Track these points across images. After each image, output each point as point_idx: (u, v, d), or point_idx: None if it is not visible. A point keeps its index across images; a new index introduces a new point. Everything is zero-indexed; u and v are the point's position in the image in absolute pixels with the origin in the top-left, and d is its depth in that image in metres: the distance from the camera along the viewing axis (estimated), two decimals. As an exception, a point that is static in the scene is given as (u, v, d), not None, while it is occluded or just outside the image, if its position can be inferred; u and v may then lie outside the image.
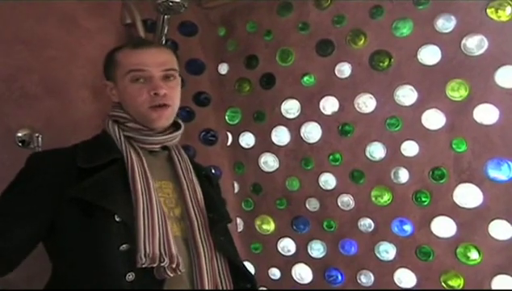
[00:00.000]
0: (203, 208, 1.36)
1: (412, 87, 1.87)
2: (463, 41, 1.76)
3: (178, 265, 1.17)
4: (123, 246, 1.14)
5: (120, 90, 1.36)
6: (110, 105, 1.43)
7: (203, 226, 1.32)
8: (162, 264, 1.14)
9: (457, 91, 1.78)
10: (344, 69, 2.03)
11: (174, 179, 1.38)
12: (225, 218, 1.46)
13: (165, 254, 1.16)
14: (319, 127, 2.10)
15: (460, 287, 1.81)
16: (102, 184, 1.21)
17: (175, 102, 1.38)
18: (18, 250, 1.18)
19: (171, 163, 1.40)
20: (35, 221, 1.20)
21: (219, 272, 1.31)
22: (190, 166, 1.43)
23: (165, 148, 1.41)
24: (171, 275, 1.16)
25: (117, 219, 1.16)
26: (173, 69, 1.37)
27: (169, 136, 1.38)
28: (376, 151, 1.97)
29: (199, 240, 1.28)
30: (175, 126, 1.42)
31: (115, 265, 1.13)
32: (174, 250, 1.19)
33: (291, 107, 2.17)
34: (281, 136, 2.21)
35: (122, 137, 1.32)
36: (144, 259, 1.12)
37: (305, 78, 2.12)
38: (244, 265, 1.42)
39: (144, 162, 1.29)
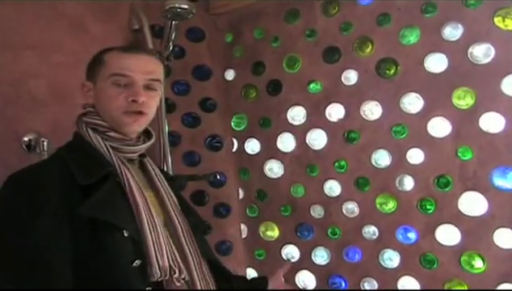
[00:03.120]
0: (182, 214, 1.36)
1: (418, 95, 1.88)
2: (470, 49, 1.77)
3: (184, 275, 1.20)
4: (136, 262, 1.14)
5: (98, 91, 1.31)
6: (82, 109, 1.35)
7: (187, 232, 1.32)
8: (174, 276, 1.16)
9: (463, 99, 1.79)
10: (350, 77, 2.03)
11: (150, 186, 1.36)
12: (202, 222, 1.47)
13: (175, 265, 1.18)
14: (324, 134, 2.10)
15: (464, 295, 1.80)
16: (107, 201, 1.18)
17: (152, 111, 1.33)
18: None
19: (144, 171, 1.39)
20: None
21: (208, 276, 1.31)
22: (160, 172, 1.42)
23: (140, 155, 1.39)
24: (178, 284, 1.18)
25: (125, 234, 1.15)
26: (157, 80, 1.33)
27: (148, 144, 1.36)
28: (381, 158, 1.97)
29: (186, 246, 1.29)
30: (147, 133, 1.40)
31: (133, 282, 1.12)
32: (180, 260, 1.21)
33: (297, 114, 2.17)
34: (286, 142, 2.21)
35: (110, 149, 1.27)
36: (158, 273, 1.13)
37: (312, 85, 2.13)
38: (224, 266, 1.43)
39: (134, 173, 1.27)
